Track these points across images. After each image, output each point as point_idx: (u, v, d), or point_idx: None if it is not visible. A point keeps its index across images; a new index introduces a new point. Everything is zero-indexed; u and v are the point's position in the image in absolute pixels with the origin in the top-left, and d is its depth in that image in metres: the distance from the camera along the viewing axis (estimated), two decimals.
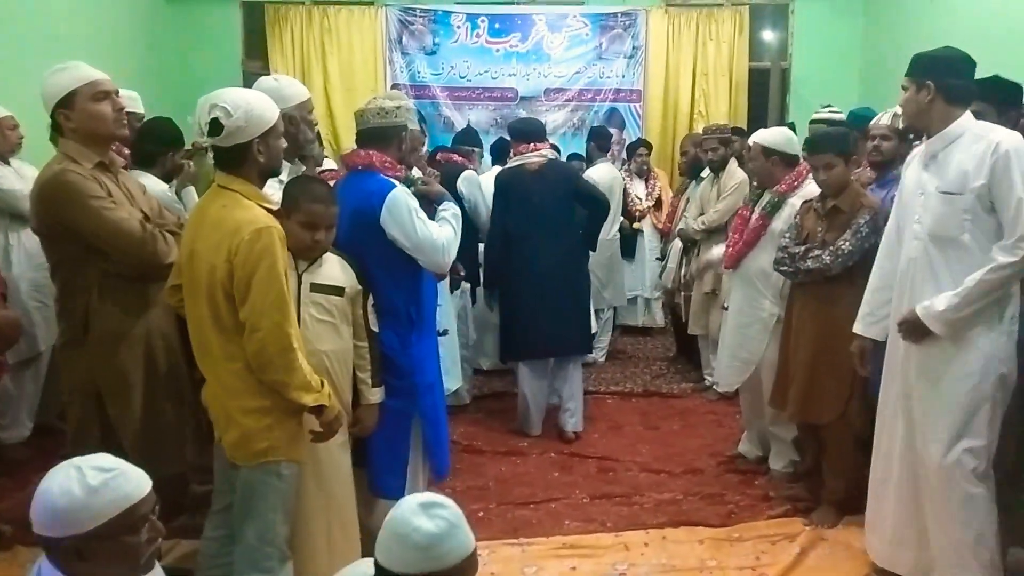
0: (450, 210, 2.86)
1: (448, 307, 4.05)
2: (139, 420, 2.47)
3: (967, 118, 2.50)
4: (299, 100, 2.64)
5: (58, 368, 3.96)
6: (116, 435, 2.40)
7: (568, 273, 4.25)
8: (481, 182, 4.51)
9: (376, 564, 1.46)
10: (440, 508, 1.46)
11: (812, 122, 4.24)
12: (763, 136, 3.66)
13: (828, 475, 3.28)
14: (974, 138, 2.45)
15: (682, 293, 5.09)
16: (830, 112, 4.32)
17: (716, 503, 3.46)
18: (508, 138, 4.59)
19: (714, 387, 4.87)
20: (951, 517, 2.50)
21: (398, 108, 2.72)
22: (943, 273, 2.47)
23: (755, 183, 3.77)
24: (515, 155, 4.30)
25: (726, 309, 3.85)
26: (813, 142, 3.34)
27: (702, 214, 4.78)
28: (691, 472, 3.80)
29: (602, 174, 5.42)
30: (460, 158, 4.73)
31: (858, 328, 2.83)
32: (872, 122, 3.53)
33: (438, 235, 2.65)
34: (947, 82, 2.47)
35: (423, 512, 1.44)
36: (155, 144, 3.23)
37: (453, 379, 4.12)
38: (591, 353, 5.13)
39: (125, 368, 2.45)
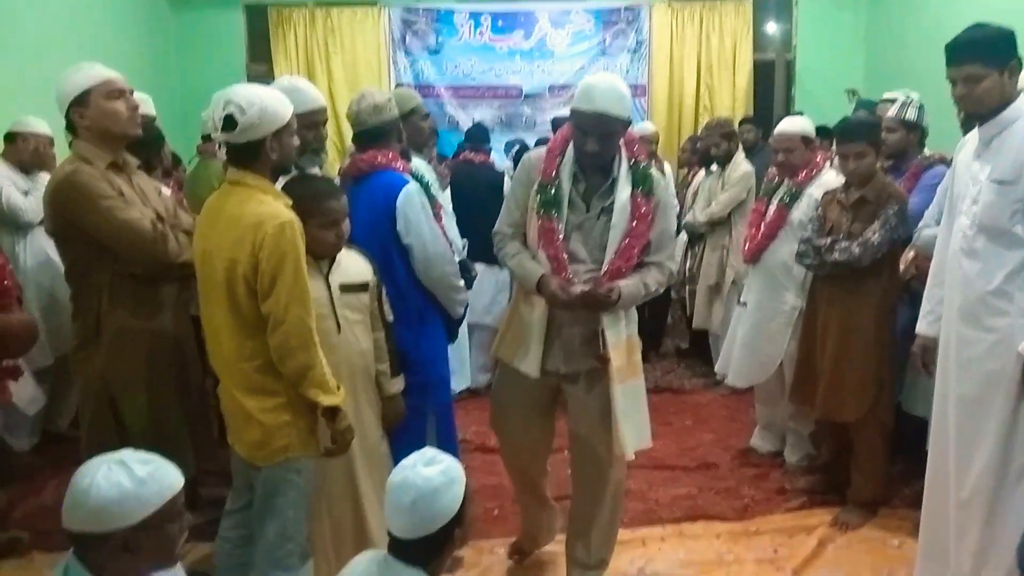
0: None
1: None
2: (147, 421, 2.46)
3: (1022, 100, 2.25)
4: (303, 108, 2.41)
5: (68, 376, 4.01)
6: (129, 436, 2.39)
7: None
8: None
9: (393, 540, 1.65)
10: (437, 457, 1.73)
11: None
12: (801, 126, 3.53)
13: (856, 475, 3.19)
14: None
15: (687, 287, 5.07)
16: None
17: (732, 497, 3.44)
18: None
19: (724, 381, 4.85)
20: None
21: (389, 101, 2.66)
22: (994, 265, 2.24)
23: (775, 174, 3.62)
24: None
25: (743, 304, 3.76)
26: (846, 130, 3.14)
27: (709, 207, 4.78)
28: (705, 467, 3.78)
29: None
30: (484, 157, 4.97)
31: (920, 327, 2.59)
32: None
33: (444, 242, 2.63)
34: (1019, 59, 2.24)
35: (422, 463, 1.69)
36: (148, 147, 3.21)
37: (461, 379, 4.24)
38: None
39: (134, 368, 2.44)
